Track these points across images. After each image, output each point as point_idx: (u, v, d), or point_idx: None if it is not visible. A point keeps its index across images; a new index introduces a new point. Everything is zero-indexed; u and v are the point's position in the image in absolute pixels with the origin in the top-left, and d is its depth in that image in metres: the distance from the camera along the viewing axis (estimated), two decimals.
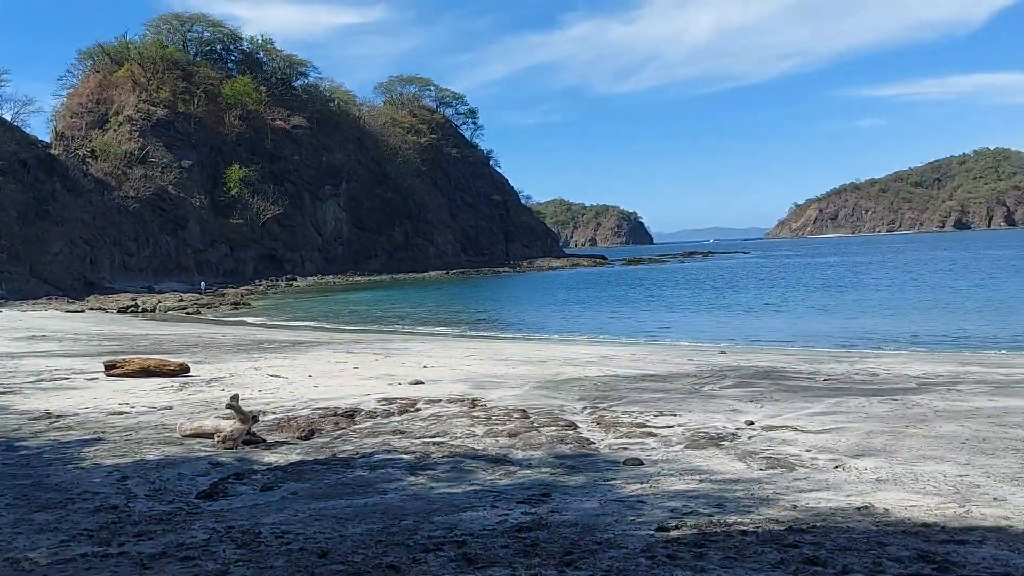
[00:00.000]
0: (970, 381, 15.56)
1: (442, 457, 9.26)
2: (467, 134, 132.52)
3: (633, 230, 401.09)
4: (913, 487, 7.53)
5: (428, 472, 8.57)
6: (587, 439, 10.24)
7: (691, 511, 6.79)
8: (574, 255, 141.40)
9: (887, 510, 6.71)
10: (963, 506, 6.81)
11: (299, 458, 9.34)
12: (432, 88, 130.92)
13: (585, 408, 12.77)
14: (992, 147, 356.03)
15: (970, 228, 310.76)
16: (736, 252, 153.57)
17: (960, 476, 7.89)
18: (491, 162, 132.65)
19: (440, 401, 13.50)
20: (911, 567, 5.23)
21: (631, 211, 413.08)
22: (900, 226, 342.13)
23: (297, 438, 10.43)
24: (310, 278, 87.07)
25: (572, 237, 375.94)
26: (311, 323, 40.05)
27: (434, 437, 10.47)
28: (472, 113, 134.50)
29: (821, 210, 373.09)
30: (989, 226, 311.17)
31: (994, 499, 7.03)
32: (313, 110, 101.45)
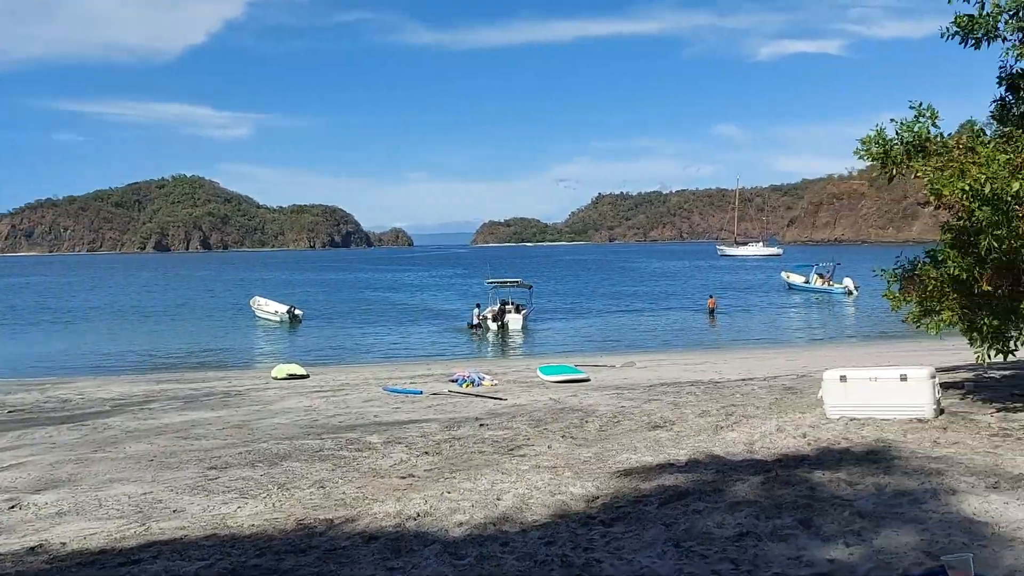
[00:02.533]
0: (163, 398, 16.25)
1: None
2: None
3: None
4: (96, 514, 7.36)
5: None
6: None
7: None
8: None
9: (64, 544, 6.37)
10: (143, 524, 6.92)
11: None
12: None
13: None
14: (189, 174, 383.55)
15: (170, 250, 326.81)
16: None
17: (144, 494, 8.04)
18: None
19: None
20: None
21: None
22: (102, 246, 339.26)
23: None
24: None
25: None
26: None
27: None
28: None
29: (14, 226, 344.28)
30: (187, 249, 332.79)
31: (174, 511, 7.35)
32: None
